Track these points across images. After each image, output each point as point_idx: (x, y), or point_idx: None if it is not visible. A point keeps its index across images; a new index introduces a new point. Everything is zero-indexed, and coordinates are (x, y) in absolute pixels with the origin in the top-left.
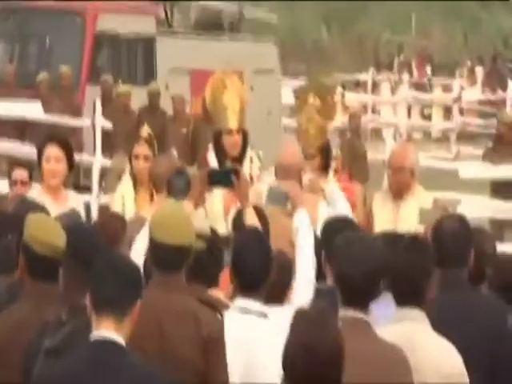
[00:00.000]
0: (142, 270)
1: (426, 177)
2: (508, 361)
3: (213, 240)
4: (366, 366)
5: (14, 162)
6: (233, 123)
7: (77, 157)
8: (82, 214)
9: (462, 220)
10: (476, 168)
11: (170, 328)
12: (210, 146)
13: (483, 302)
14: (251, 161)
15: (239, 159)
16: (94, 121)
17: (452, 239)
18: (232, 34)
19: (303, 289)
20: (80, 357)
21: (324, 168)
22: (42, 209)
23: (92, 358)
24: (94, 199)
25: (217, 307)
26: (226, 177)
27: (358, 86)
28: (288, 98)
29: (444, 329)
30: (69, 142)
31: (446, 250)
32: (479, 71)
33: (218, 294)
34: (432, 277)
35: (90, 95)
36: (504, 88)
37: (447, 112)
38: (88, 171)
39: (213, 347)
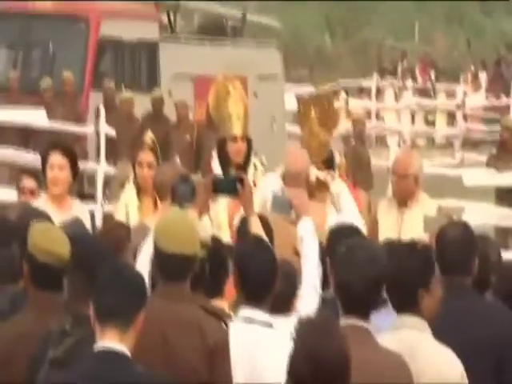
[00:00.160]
0: (148, 280)
1: (431, 184)
2: None
3: (217, 249)
4: (368, 374)
5: (23, 171)
6: (237, 130)
7: (81, 164)
8: (88, 222)
9: (465, 227)
10: (480, 175)
11: (175, 337)
12: (214, 153)
13: (488, 309)
14: (255, 168)
15: (243, 166)
16: (98, 127)
17: (456, 246)
18: (235, 40)
19: (309, 298)
20: (84, 368)
21: None
22: (45, 217)
23: (96, 369)
24: (99, 207)
25: (221, 317)
26: (231, 185)
27: (362, 92)
28: (291, 103)
29: (449, 335)
30: (73, 149)
31: (450, 257)
32: (483, 77)
33: (222, 304)
34: (432, 284)
35: (93, 101)
36: (508, 92)
37: (451, 118)
38: (92, 179)
39: (218, 357)
